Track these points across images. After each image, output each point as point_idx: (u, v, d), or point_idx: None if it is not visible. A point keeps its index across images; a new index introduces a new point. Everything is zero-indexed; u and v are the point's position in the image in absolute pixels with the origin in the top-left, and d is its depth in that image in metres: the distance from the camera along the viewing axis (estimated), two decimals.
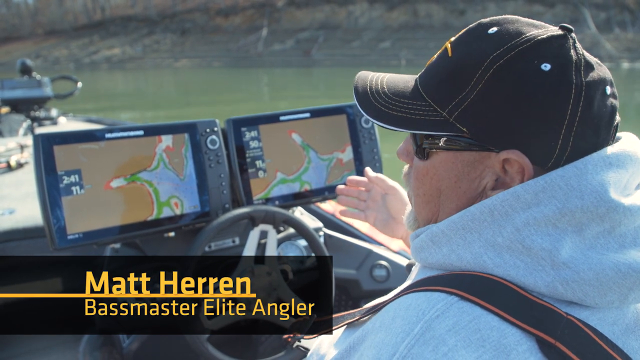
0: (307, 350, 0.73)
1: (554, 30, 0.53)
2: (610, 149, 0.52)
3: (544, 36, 0.52)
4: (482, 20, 0.57)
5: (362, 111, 0.62)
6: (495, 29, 0.54)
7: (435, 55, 0.60)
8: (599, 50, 34.75)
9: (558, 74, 0.50)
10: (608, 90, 0.52)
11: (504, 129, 0.52)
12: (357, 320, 0.62)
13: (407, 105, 0.58)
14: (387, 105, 0.60)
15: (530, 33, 0.52)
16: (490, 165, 0.54)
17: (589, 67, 0.51)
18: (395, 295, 0.56)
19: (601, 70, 0.52)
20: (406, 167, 0.67)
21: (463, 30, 0.58)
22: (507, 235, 0.51)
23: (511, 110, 0.51)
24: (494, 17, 0.56)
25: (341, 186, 1.14)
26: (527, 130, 0.51)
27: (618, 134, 0.57)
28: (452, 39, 0.58)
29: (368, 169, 1.14)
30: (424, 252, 0.57)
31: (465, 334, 0.46)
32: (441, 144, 0.56)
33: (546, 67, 0.50)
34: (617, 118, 0.54)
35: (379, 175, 1.07)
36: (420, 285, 0.53)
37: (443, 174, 0.58)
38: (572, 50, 0.51)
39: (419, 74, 0.61)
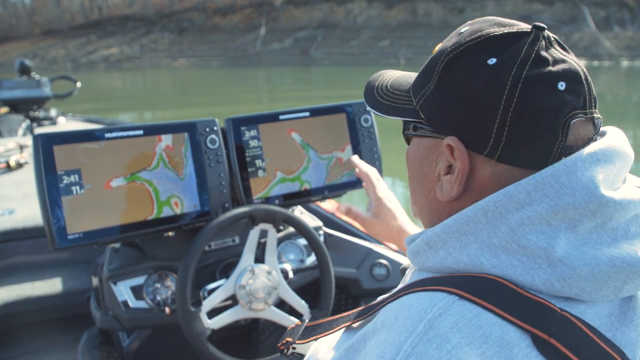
0: (302, 356, 0.73)
1: (519, 29, 0.55)
2: (597, 145, 0.53)
3: (498, 33, 0.54)
4: (468, 22, 0.61)
5: (364, 100, 0.71)
6: (466, 28, 0.58)
7: None
8: (598, 48, 34.70)
9: (499, 67, 0.52)
10: (562, 85, 0.52)
11: (448, 116, 0.56)
12: (353, 322, 0.62)
13: (396, 97, 0.65)
14: (381, 95, 0.68)
15: (487, 30, 0.55)
16: (442, 152, 0.58)
17: (541, 62, 0.52)
18: (391, 296, 0.56)
19: (560, 66, 0.53)
20: None
21: None
22: (502, 235, 0.51)
23: (454, 100, 0.55)
24: (476, 19, 0.60)
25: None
26: (466, 118, 0.55)
27: (603, 129, 0.58)
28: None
29: (355, 158, 1.28)
30: (420, 256, 0.58)
31: (468, 330, 0.46)
32: (410, 130, 0.63)
33: (492, 61, 0.53)
34: (596, 115, 0.55)
35: (374, 198, 1.17)
36: (419, 286, 0.53)
37: (413, 158, 0.64)
38: (525, 46, 0.53)
39: None
